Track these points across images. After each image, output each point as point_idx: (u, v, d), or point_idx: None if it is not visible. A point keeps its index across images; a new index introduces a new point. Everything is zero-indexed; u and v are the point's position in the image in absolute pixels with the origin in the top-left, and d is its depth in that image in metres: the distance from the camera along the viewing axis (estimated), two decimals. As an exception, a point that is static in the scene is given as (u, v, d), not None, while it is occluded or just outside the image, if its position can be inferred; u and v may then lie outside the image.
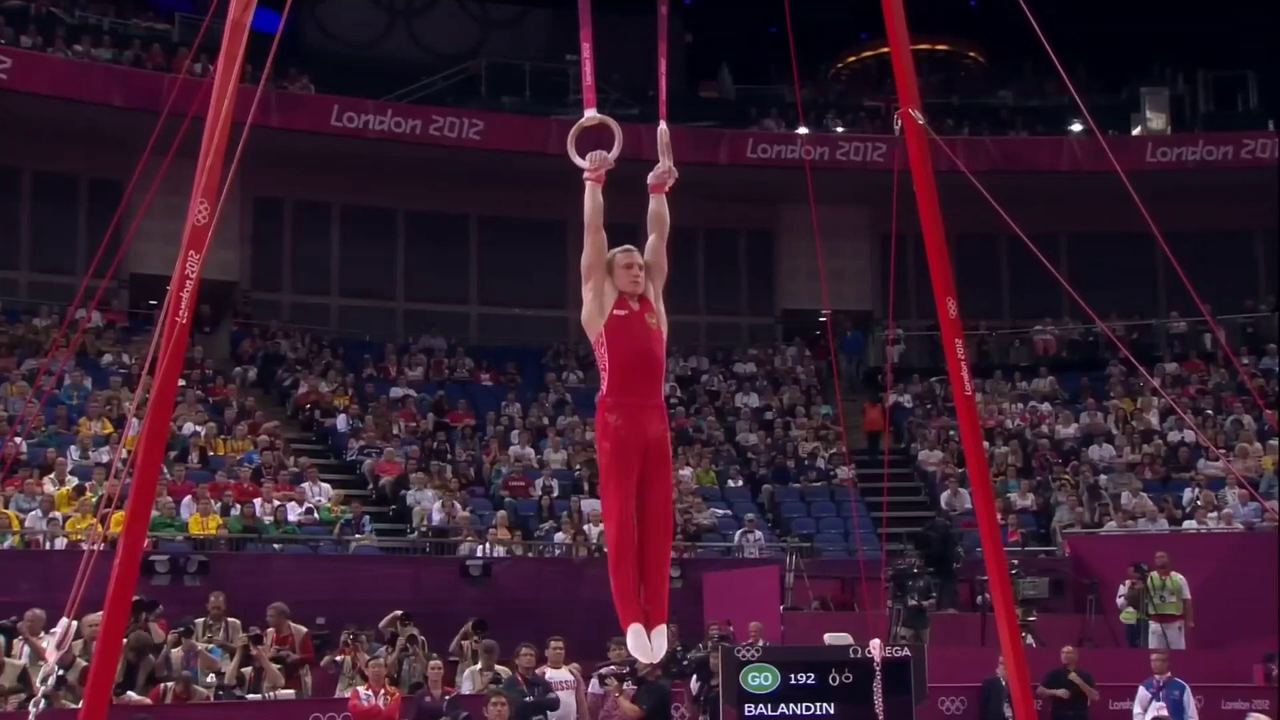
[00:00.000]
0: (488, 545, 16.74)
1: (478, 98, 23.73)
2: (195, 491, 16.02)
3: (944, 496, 18.85)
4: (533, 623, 14.06)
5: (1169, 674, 12.13)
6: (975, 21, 28.31)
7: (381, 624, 13.34)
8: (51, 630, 6.95)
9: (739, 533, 18.14)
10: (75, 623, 5.84)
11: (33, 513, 14.98)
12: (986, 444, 16.08)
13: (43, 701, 9.15)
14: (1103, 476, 19.35)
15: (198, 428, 17.85)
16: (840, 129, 24.60)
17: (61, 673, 9.90)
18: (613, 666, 12.20)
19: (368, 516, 17.04)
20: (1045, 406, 21.80)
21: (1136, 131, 25.20)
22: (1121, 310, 22.23)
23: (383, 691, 10.97)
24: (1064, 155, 23.38)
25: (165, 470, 15.27)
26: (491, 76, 24.38)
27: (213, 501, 15.96)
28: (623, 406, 5.16)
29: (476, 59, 25.01)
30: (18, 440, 15.51)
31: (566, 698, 11.55)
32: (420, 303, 23.77)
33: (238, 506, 16.15)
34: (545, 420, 20.57)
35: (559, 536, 17.40)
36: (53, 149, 20.83)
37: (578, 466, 19.13)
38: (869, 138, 23.29)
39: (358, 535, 16.55)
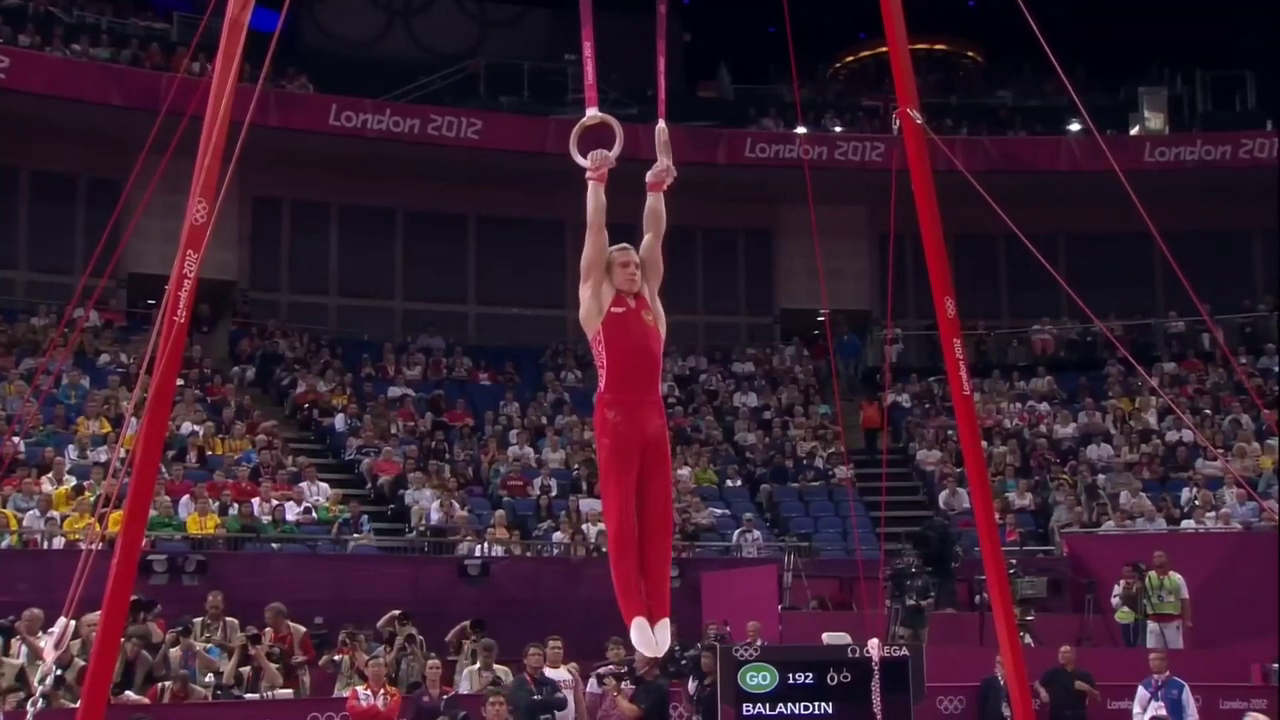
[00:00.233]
0: (486, 545, 16.74)
1: (476, 97, 23.73)
2: (193, 491, 16.02)
3: (942, 496, 18.85)
4: (531, 622, 14.06)
5: (1168, 673, 12.14)
6: (974, 21, 28.31)
7: (380, 623, 13.35)
8: (49, 630, 6.95)
9: (737, 532, 18.14)
10: (73, 622, 5.84)
11: (30, 512, 14.97)
12: (985, 444, 16.09)
13: (41, 701, 9.15)
14: (1101, 476, 19.35)
15: (196, 427, 17.84)
16: (839, 129, 24.60)
17: (59, 672, 9.89)
18: (611, 666, 12.21)
19: (366, 516, 17.03)
20: (1043, 406, 21.81)
21: (1135, 131, 25.21)
22: (1120, 310, 22.23)
23: (382, 691, 10.96)
24: (1062, 155, 23.38)
25: (163, 469, 15.27)
26: (490, 76, 24.38)
27: (211, 501, 15.95)
28: (621, 403, 5.19)
29: (475, 59, 25.00)
30: (16, 439, 15.51)
31: (565, 697, 11.56)
32: (418, 302, 23.77)
33: (236, 506, 16.14)
34: (543, 420, 20.57)
35: (557, 536, 17.40)
36: (51, 148, 20.82)
37: (576, 466, 19.13)
38: (867, 137, 23.29)
39: (356, 535, 16.55)
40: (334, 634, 13.16)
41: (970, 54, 31.05)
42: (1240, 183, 22.86)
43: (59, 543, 14.80)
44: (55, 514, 15.06)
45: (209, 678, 11.73)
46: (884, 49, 8.89)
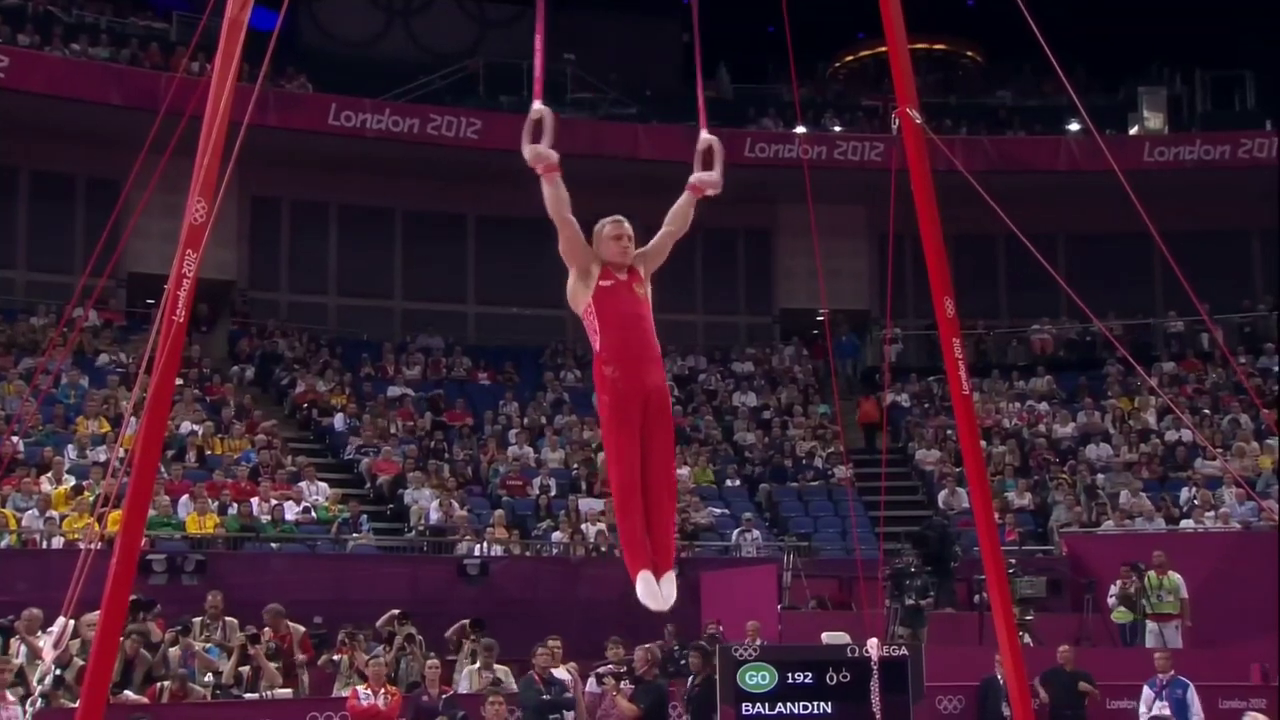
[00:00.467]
0: (485, 544, 16.74)
1: (475, 97, 23.74)
2: (193, 490, 16.02)
3: (941, 496, 18.86)
4: (530, 622, 14.06)
5: (1172, 672, 12.14)
6: (973, 21, 28.32)
7: (379, 623, 13.34)
8: (49, 629, 6.95)
9: (736, 532, 18.15)
10: (72, 622, 5.85)
11: (30, 512, 14.97)
12: (984, 443, 16.11)
13: (40, 700, 9.15)
14: (1100, 476, 19.36)
15: (195, 427, 17.84)
16: (838, 128, 24.61)
17: (58, 671, 9.89)
18: (610, 666, 12.21)
19: (365, 515, 17.04)
20: (1043, 406, 21.81)
21: (1134, 131, 25.22)
22: (1119, 310, 22.22)
23: (382, 691, 10.96)
24: (1062, 155, 23.38)
25: (163, 469, 15.27)
26: (489, 76, 24.39)
27: (210, 500, 15.95)
28: (619, 359, 5.21)
29: (474, 58, 25.01)
30: (15, 439, 15.51)
31: (573, 698, 11.57)
32: (418, 302, 23.77)
33: (235, 506, 16.14)
34: (543, 419, 20.57)
35: (556, 536, 17.40)
36: (50, 148, 20.81)
37: (575, 466, 19.14)
38: (867, 137, 23.30)
39: (355, 534, 16.55)
40: (333, 634, 13.15)
41: (970, 54, 31.06)
42: (1240, 183, 22.87)
43: (58, 542, 14.80)
44: (54, 513, 15.06)
45: (208, 677, 11.73)
46: (883, 49, 8.89)
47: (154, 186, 6.77)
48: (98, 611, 5.91)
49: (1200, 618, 14.92)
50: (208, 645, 12.16)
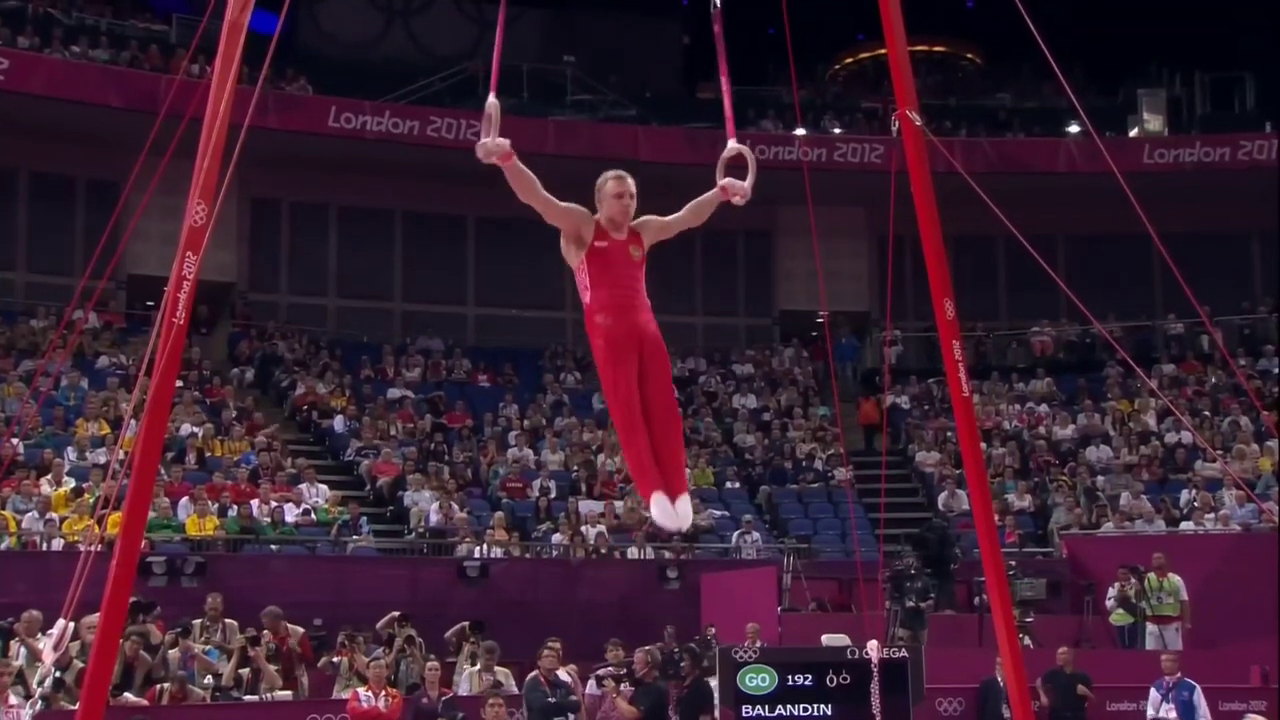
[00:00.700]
0: (485, 546, 16.74)
1: (475, 99, 23.59)
2: (193, 493, 16.01)
3: (941, 497, 18.86)
4: (530, 624, 14.06)
5: (1179, 674, 12.13)
6: (972, 23, 28.35)
7: (379, 625, 13.34)
8: (48, 631, 6.94)
9: (736, 534, 18.14)
10: (72, 624, 5.84)
11: (30, 514, 14.96)
12: (984, 445, 16.10)
13: (40, 703, 9.13)
14: (1100, 478, 19.36)
15: (195, 429, 17.84)
16: (838, 130, 24.61)
17: (58, 674, 9.89)
18: (610, 668, 12.22)
19: (365, 517, 17.04)
20: (1042, 408, 21.81)
21: (1134, 133, 25.22)
22: (1119, 312, 22.21)
23: (383, 693, 10.96)
24: (1061, 157, 23.38)
25: (163, 471, 15.26)
26: (489, 77, 24.36)
27: (210, 503, 15.94)
28: (610, 308, 5.23)
29: (474, 60, 25.00)
30: (15, 441, 15.50)
31: (578, 700, 11.58)
32: (418, 304, 23.76)
33: (235, 508, 16.12)
34: (543, 421, 20.57)
35: (556, 538, 17.39)
36: (50, 150, 20.81)
37: (575, 467, 19.14)
38: (866, 139, 23.30)
39: (355, 536, 16.55)
40: (333, 636, 13.15)
41: (969, 56, 31.09)
42: (1239, 184, 22.86)
43: (58, 544, 14.79)
44: (54, 516, 15.05)
45: (208, 679, 11.73)
46: (883, 51, 8.90)
47: (154, 189, 6.77)
48: (97, 614, 5.90)
49: (1200, 620, 14.92)
50: (207, 647, 12.16)
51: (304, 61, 23.35)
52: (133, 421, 8.98)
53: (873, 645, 10.52)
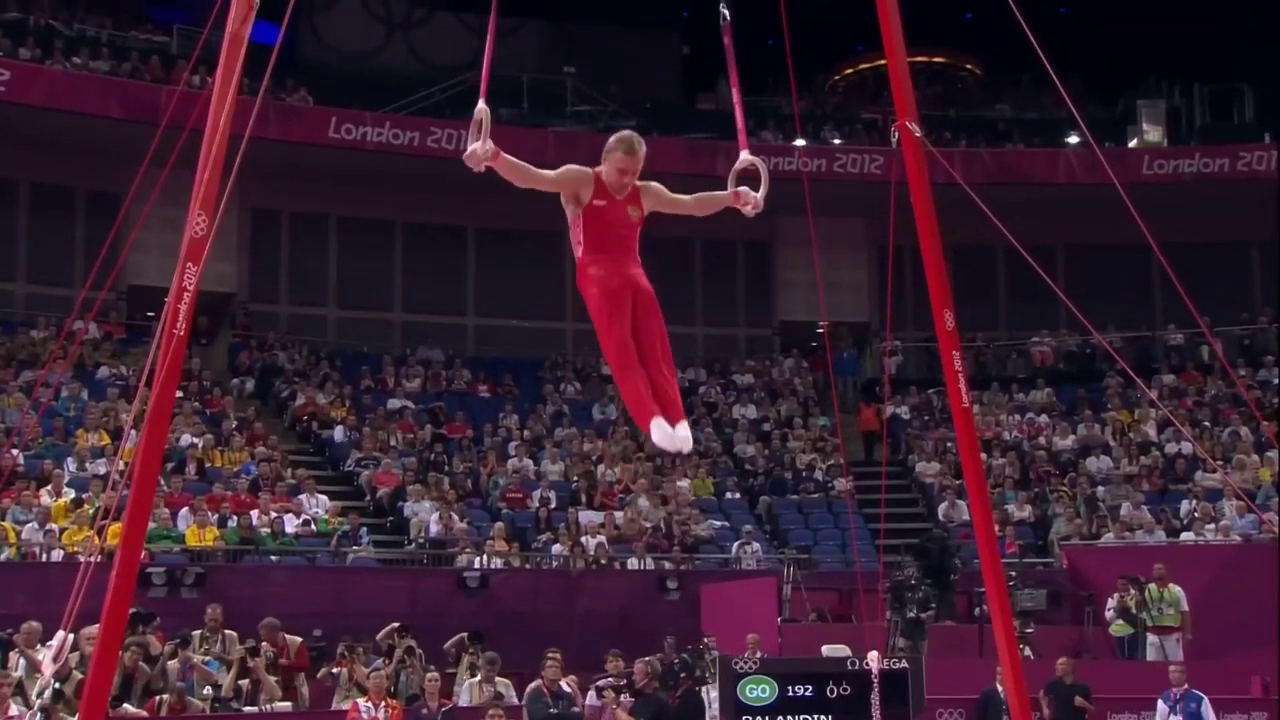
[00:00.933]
0: (485, 557, 16.73)
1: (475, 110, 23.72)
2: (192, 503, 16.00)
3: (941, 508, 18.85)
4: (530, 634, 14.06)
5: (1186, 686, 12.12)
6: (972, 34, 28.37)
7: (379, 636, 13.32)
8: (48, 643, 6.94)
9: (736, 544, 18.12)
10: (72, 635, 5.83)
11: (29, 524, 14.95)
12: (984, 456, 16.12)
13: (39, 714, 9.11)
14: (1100, 488, 19.35)
15: (195, 439, 17.83)
16: (838, 141, 24.64)
17: (58, 685, 9.87)
18: (610, 679, 12.20)
19: (365, 528, 17.02)
20: (1043, 418, 21.80)
21: (1133, 144, 25.23)
22: (1119, 322, 22.23)
23: (383, 704, 10.95)
24: (1061, 167, 23.41)
25: (162, 482, 15.26)
26: (490, 87, 24.39)
27: (210, 513, 15.93)
28: (603, 261, 5.26)
29: (474, 71, 24.99)
30: (15, 452, 15.49)
31: (580, 711, 11.56)
32: (418, 314, 23.77)
33: (235, 518, 16.12)
34: (543, 432, 20.56)
35: (556, 548, 17.38)
36: (50, 161, 20.83)
37: (575, 478, 19.13)
38: (866, 150, 23.32)
39: (355, 547, 16.53)
40: (333, 646, 13.13)
41: (968, 67, 31.11)
42: (1239, 195, 22.88)
43: (58, 555, 14.78)
44: (54, 526, 15.04)
45: (207, 690, 11.71)
46: (882, 62, 8.90)
47: (154, 200, 6.77)
48: (97, 625, 5.90)
49: (1201, 630, 14.90)
50: (207, 658, 12.15)
51: (304, 72, 23.38)
52: (133, 432, 8.99)
53: (873, 656, 10.51)
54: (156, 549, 14.98)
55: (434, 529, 17.11)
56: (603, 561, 17.31)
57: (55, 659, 5.85)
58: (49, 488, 15.71)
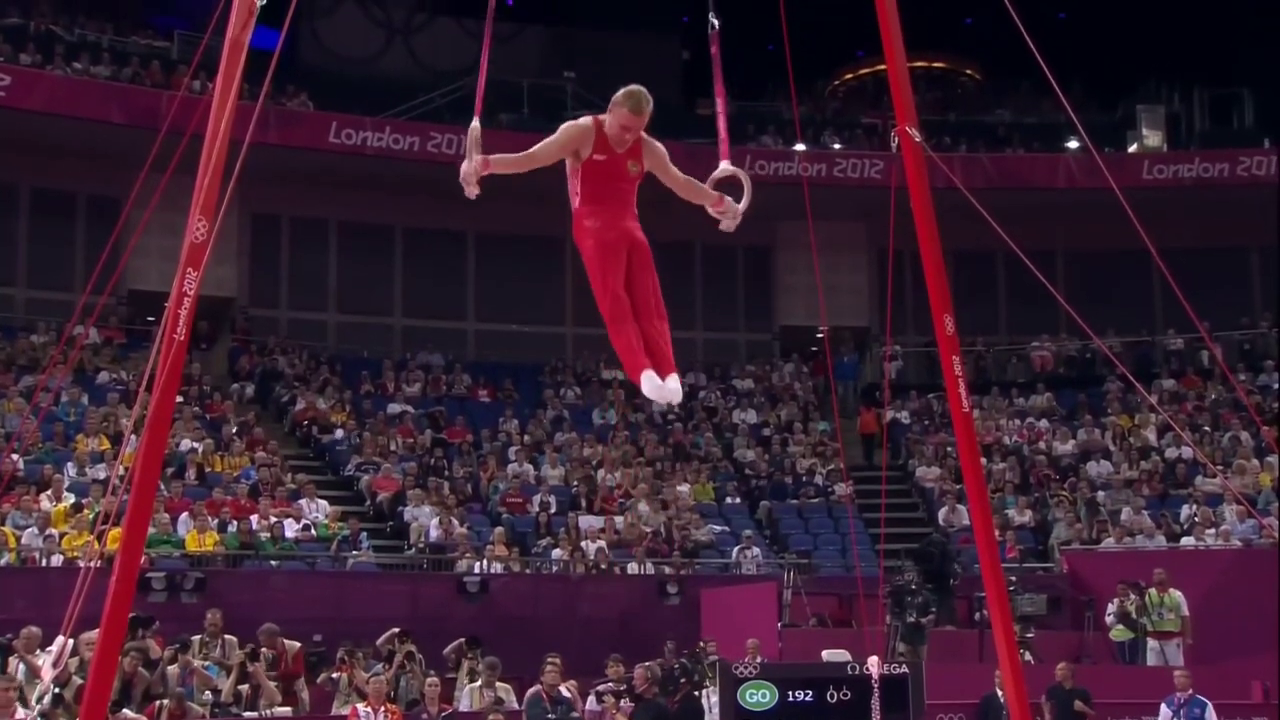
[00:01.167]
0: (485, 562, 16.72)
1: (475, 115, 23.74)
2: (192, 508, 15.99)
3: (942, 513, 18.84)
4: (530, 640, 14.04)
5: (1191, 691, 12.10)
6: (972, 39, 28.41)
7: (379, 641, 13.31)
8: (48, 648, 6.93)
9: (736, 549, 18.12)
10: (71, 641, 5.83)
11: (29, 529, 14.95)
12: (984, 460, 16.10)
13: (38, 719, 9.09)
14: (1100, 493, 19.34)
15: (195, 444, 17.83)
16: (838, 146, 24.66)
17: (57, 690, 9.86)
18: (610, 684, 12.20)
19: (365, 533, 17.01)
20: (1043, 423, 21.81)
21: (1133, 149, 25.26)
22: (1118, 327, 22.24)
23: (383, 709, 10.94)
24: (1060, 172, 23.42)
25: (162, 487, 15.26)
26: (490, 93, 24.39)
27: (210, 518, 15.93)
28: (599, 214, 5.26)
29: (474, 76, 25.01)
30: (15, 457, 15.49)
31: (579, 717, 11.56)
32: (418, 319, 23.78)
33: (235, 523, 16.11)
34: (543, 436, 20.56)
35: (556, 553, 17.37)
36: (51, 166, 20.84)
37: (575, 483, 19.13)
38: (866, 155, 23.34)
39: (355, 552, 16.53)
40: (333, 651, 13.12)
41: (968, 72, 31.14)
42: (1238, 200, 22.90)
43: (57, 560, 14.77)
44: (54, 531, 15.04)
45: (207, 695, 11.70)
46: (882, 67, 8.92)
47: (155, 204, 6.78)
48: (96, 630, 5.89)
49: (1201, 635, 14.89)
50: (207, 663, 12.14)
51: (305, 77, 23.39)
52: (133, 437, 8.99)
53: (873, 661, 10.50)
54: (156, 554, 14.98)
55: (434, 534, 17.10)
56: (603, 566, 17.31)
57: (55, 664, 5.85)
58: (49, 493, 15.70)
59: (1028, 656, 13.43)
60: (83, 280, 19.90)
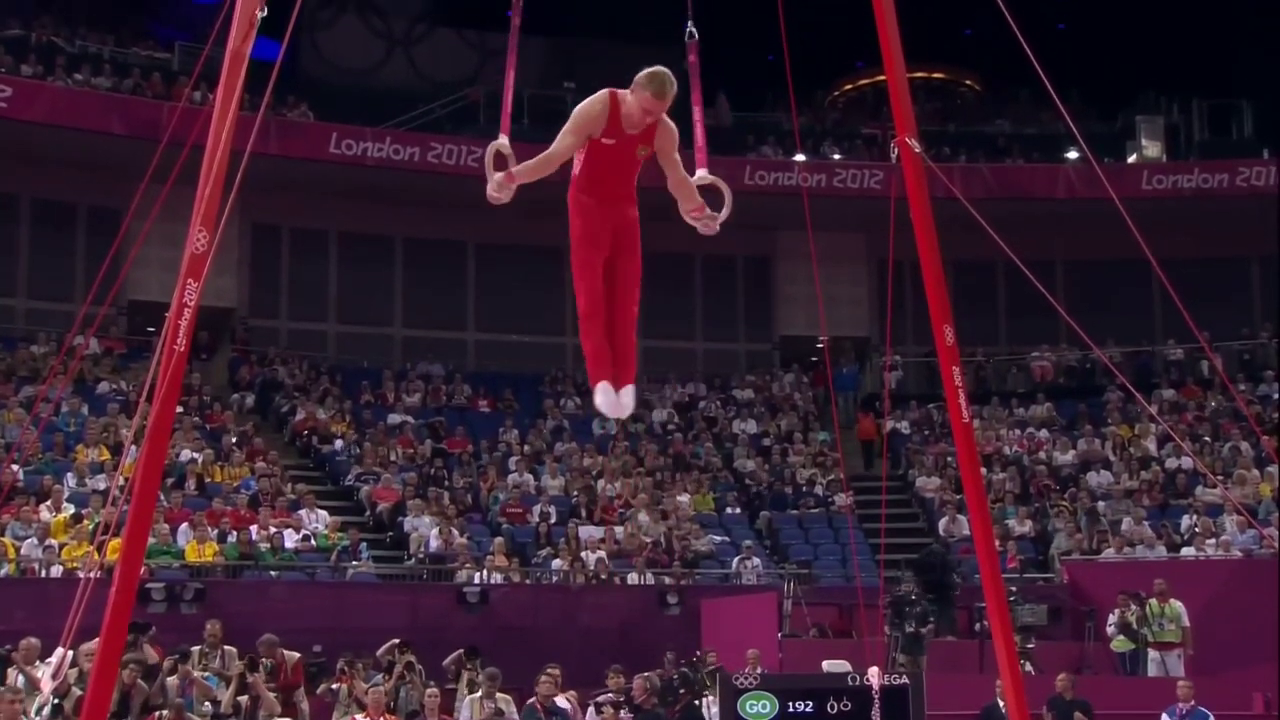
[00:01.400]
0: (485, 572, 16.71)
1: (476, 125, 23.79)
2: (192, 519, 16.00)
3: (942, 523, 18.83)
4: (530, 650, 14.03)
5: (1193, 702, 12.09)
6: (971, 50, 28.43)
7: (379, 652, 13.29)
8: (47, 659, 6.93)
9: (736, 559, 18.10)
10: (71, 652, 5.83)
11: (29, 540, 14.94)
12: (984, 470, 16.11)
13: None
14: (1101, 503, 19.33)
15: (195, 454, 17.83)
16: (837, 156, 24.68)
17: (57, 701, 9.85)
18: (610, 695, 12.18)
19: (365, 543, 17.01)
20: (1043, 433, 21.79)
21: (1132, 159, 25.27)
22: (1118, 337, 22.24)
23: (381, 720, 10.93)
24: (1060, 183, 23.45)
25: (162, 497, 15.26)
26: (490, 104, 24.44)
27: (210, 528, 15.92)
28: (595, 191, 5.27)
29: (474, 87, 25.09)
30: (14, 467, 15.48)
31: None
32: (418, 329, 23.79)
33: (235, 533, 16.11)
34: (543, 446, 20.56)
35: (556, 563, 17.36)
36: (52, 176, 20.88)
37: (575, 493, 19.12)
38: (866, 165, 23.36)
39: (355, 562, 16.52)
40: (332, 662, 13.10)
41: (968, 82, 31.18)
42: (1238, 210, 22.92)
43: (57, 571, 14.76)
44: (53, 542, 15.03)
45: (206, 706, 11.68)
46: (882, 78, 8.93)
47: (155, 215, 6.79)
48: (96, 641, 5.89)
49: (1201, 646, 14.87)
50: (206, 674, 12.12)
51: (305, 88, 23.43)
52: (133, 447, 8.99)
53: (873, 671, 10.48)
54: (156, 564, 14.97)
55: (434, 544, 17.09)
56: (603, 577, 17.29)
57: (54, 675, 5.84)
58: (49, 503, 15.70)
59: (1028, 667, 13.41)
60: (83, 291, 19.92)
